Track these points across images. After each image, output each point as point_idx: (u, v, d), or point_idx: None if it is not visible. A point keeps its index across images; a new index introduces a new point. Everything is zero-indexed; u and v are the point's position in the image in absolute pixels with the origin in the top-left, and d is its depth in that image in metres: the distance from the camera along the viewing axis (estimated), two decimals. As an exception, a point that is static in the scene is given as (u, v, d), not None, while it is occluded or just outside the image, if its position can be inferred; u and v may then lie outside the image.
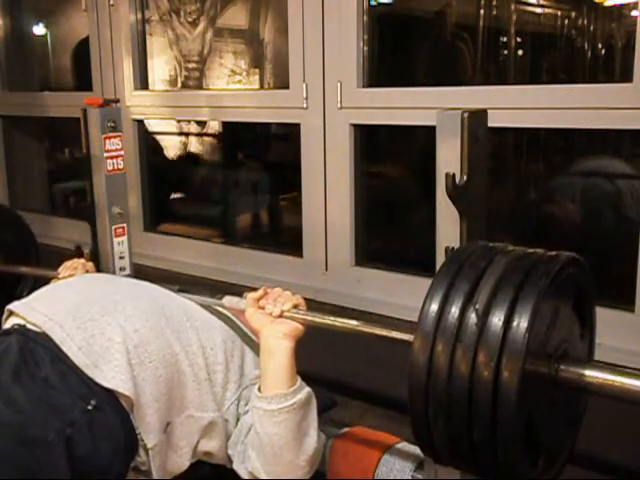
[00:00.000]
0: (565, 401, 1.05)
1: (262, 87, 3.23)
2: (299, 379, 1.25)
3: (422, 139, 2.40)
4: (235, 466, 1.29)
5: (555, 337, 0.97)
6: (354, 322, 1.24)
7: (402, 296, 2.19)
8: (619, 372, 0.96)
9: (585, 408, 1.12)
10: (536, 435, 0.96)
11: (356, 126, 2.24)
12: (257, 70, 3.32)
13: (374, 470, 1.42)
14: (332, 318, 1.27)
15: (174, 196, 3.53)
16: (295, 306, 1.28)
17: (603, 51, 2.30)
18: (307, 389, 1.25)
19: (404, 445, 1.46)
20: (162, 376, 1.23)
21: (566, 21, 2.50)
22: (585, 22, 2.39)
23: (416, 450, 1.43)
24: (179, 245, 2.86)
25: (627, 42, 1.99)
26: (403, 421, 1.94)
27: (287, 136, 2.79)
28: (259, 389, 1.24)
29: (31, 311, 1.28)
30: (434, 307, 0.93)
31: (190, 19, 3.26)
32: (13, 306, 1.33)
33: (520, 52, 2.61)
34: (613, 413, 1.75)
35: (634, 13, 1.97)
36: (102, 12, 2.88)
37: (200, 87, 3.19)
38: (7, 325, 1.31)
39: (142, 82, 2.91)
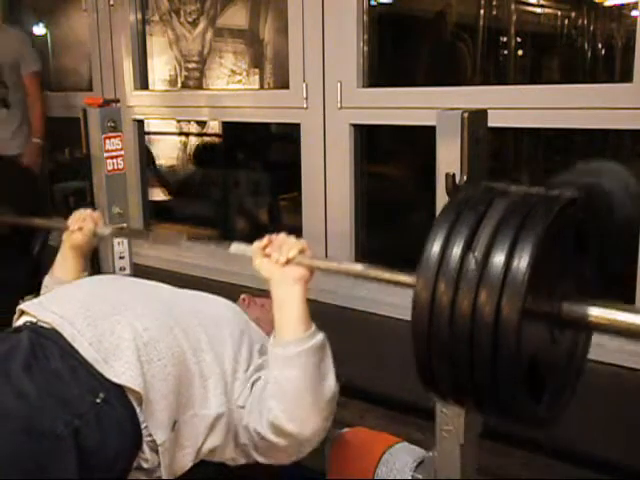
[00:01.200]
0: (569, 339, 1.05)
1: (262, 87, 3.24)
2: (313, 324, 1.25)
3: (422, 139, 2.40)
4: (254, 425, 1.27)
5: (558, 276, 0.98)
6: (359, 266, 1.26)
7: (402, 296, 2.19)
8: (623, 309, 0.96)
9: (588, 345, 1.12)
10: (539, 374, 0.97)
11: (356, 126, 2.24)
12: (257, 70, 3.32)
13: (374, 470, 1.42)
14: (337, 263, 1.29)
15: (174, 196, 3.54)
16: (301, 251, 1.27)
17: (603, 51, 2.30)
18: (322, 333, 1.25)
19: (404, 445, 1.46)
20: (170, 374, 1.24)
21: (566, 21, 2.50)
22: (585, 22, 2.39)
23: (416, 450, 1.44)
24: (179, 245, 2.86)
25: (627, 42, 1.99)
26: (403, 421, 1.94)
27: (287, 136, 2.79)
28: (274, 337, 1.25)
29: (42, 310, 1.30)
30: (435, 249, 0.94)
31: (190, 19, 3.26)
32: (24, 306, 1.34)
33: (520, 52, 2.61)
34: (613, 413, 1.75)
35: (634, 13, 1.97)
36: (102, 12, 2.88)
37: (200, 87, 3.19)
38: (19, 323, 1.32)
39: (142, 82, 2.91)
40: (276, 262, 1.26)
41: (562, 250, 1.00)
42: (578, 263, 1.05)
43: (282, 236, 1.30)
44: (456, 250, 0.92)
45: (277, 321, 1.25)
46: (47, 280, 1.64)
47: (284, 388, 1.21)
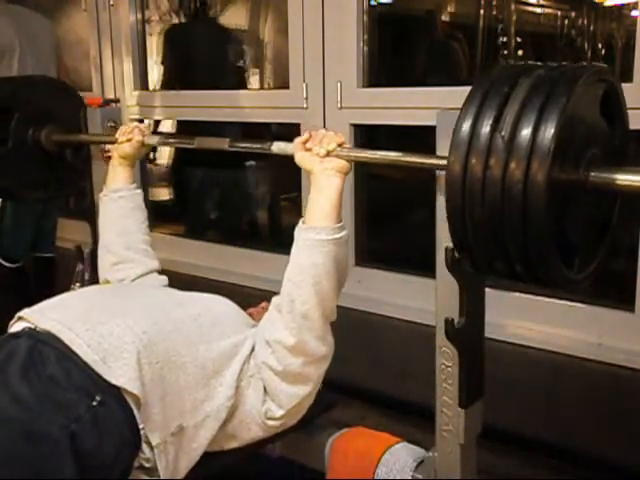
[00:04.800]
0: (597, 206, 1.09)
1: (262, 87, 3.24)
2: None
3: (422, 139, 2.41)
4: (267, 337, 1.30)
5: (585, 143, 1.01)
6: (393, 154, 1.30)
7: (402, 296, 2.19)
8: None
9: (614, 211, 1.16)
10: (570, 239, 1.01)
11: (356, 126, 2.24)
12: (257, 70, 3.32)
13: (374, 470, 1.43)
14: (372, 152, 1.34)
15: (174, 196, 3.54)
16: (339, 145, 1.31)
17: (603, 51, 2.30)
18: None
19: (404, 445, 1.46)
20: (165, 377, 1.24)
21: (566, 21, 2.50)
22: (585, 22, 2.40)
23: (416, 450, 1.44)
24: (179, 245, 2.86)
25: (627, 42, 1.99)
26: (403, 421, 1.94)
27: (288, 136, 2.79)
28: (303, 222, 1.28)
29: (41, 317, 1.30)
30: (466, 127, 0.98)
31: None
32: (23, 313, 1.34)
33: (520, 52, 2.61)
34: (613, 413, 1.75)
35: (634, 13, 1.97)
36: (102, 12, 2.88)
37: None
38: (16, 329, 1.32)
39: (142, 82, 2.91)
40: (316, 155, 1.30)
41: (589, 119, 1.03)
42: (606, 131, 1.08)
43: (322, 131, 1.35)
44: (485, 126, 0.96)
45: (312, 207, 1.29)
46: (102, 193, 1.70)
47: (306, 271, 1.24)
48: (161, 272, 1.70)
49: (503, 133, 0.94)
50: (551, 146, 0.90)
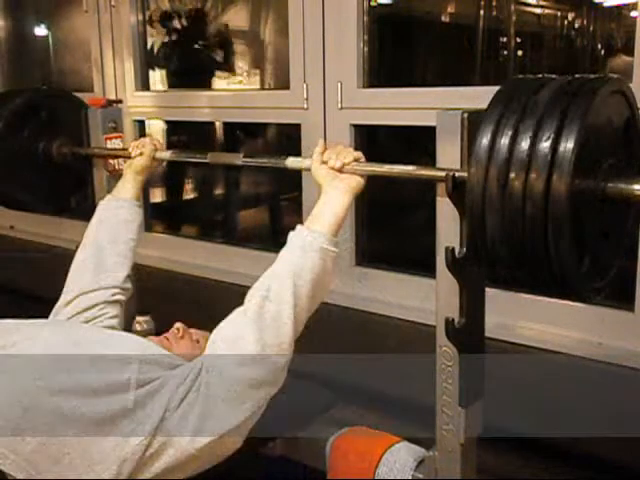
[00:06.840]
0: (615, 217, 1.11)
1: (263, 88, 3.24)
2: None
3: (422, 139, 2.41)
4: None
5: (603, 154, 1.04)
6: (410, 167, 1.31)
7: (402, 296, 2.19)
8: None
9: (627, 223, 1.18)
10: (588, 248, 1.04)
11: (356, 126, 2.24)
12: (258, 71, 3.33)
13: (374, 470, 1.43)
14: (389, 167, 1.34)
15: (174, 196, 3.54)
16: (356, 160, 1.33)
17: (603, 51, 2.31)
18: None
19: (404, 445, 1.46)
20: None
21: (566, 22, 2.50)
22: (585, 22, 2.40)
23: (416, 450, 1.44)
24: (179, 245, 2.87)
25: (627, 42, 2.00)
26: (403, 421, 1.94)
27: (287, 136, 2.80)
28: (304, 225, 1.30)
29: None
30: (485, 140, 1.00)
31: (191, 20, 3.27)
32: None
33: (520, 52, 2.62)
34: (613, 413, 1.75)
35: (634, 13, 1.97)
36: (103, 13, 2.88)
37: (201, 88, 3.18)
38: None
39: (143, 82, 2.91)
40: (332, 167, 1.32)
41: (606, 130, 1.04)
42: (625, 142, 1.09)
43: (340, 146, 1.38)
44: (505, 138, 0.99)
45: (315, 216, 1.30)
46: (105, 200, 1.72)
47: (288, 269, 1.25)
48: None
49: (523, 144, 0.96)
50: (572, 157, 0.92)
